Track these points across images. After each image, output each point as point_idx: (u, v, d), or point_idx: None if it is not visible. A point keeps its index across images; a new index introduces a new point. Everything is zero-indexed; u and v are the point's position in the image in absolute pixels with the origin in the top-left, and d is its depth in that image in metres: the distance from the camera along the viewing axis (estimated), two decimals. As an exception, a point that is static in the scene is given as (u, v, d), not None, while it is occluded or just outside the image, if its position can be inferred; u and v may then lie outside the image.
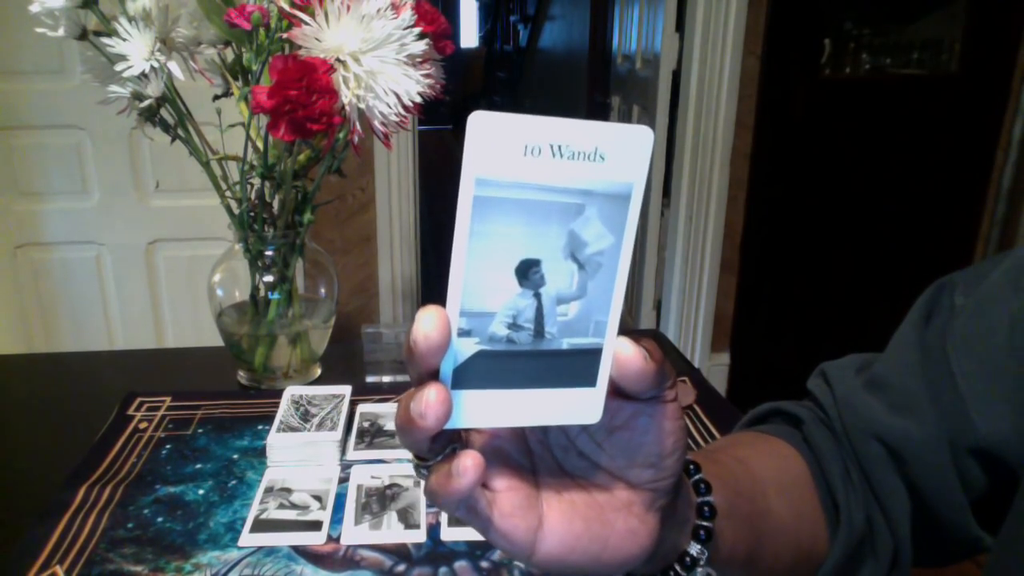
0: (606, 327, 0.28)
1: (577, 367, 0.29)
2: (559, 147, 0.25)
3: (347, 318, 2.14)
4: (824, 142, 2.29)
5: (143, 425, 0.84)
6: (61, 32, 0.76)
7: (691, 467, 0.37)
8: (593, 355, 0.29)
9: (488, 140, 0.24)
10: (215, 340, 0.95)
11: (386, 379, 0.97)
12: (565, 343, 0.28)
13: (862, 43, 2.30)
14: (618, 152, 0.26)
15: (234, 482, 0.74)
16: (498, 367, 0.28)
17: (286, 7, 0.71)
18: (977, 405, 0.41)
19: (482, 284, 0.26)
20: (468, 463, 0.28)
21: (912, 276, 2.39)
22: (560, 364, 0.28)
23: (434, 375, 0.27)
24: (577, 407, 0.29)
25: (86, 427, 0.83)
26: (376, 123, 0.75)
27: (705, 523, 0.36)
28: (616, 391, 0.30)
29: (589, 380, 0.29)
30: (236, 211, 0.85)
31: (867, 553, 0.45)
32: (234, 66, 0.81)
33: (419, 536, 0.66)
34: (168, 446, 0.80)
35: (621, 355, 0.28)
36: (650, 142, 0.26)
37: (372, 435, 0.81)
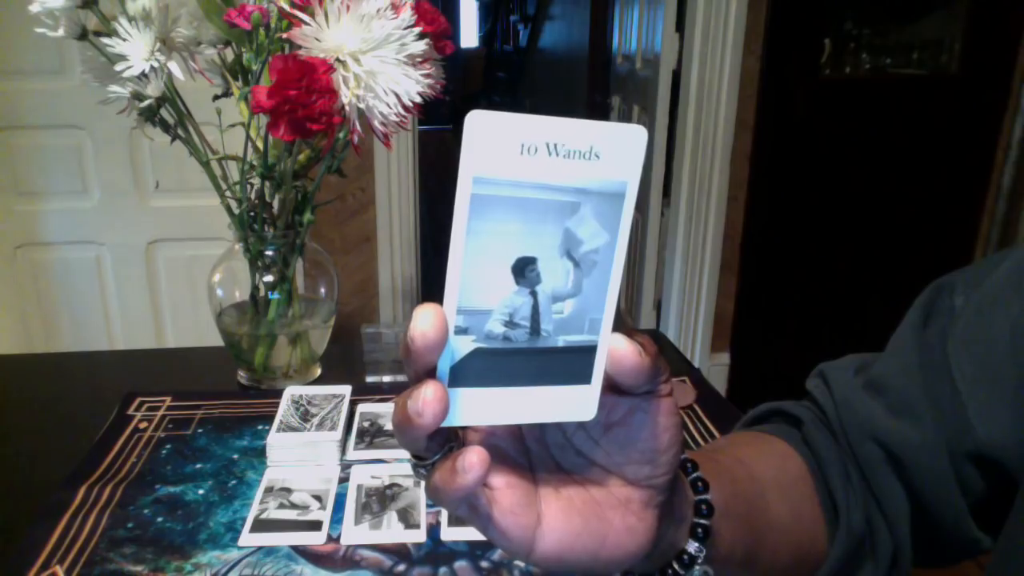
0: (601, 324, 0.29)
1: (573, 364, 0.29)
2: (555, 146, 0.25)
3: (347, 318, 2.14)
4: (824, 142, 2.28)
5: (143, 425, 0.84)
6: (61, 32, 0.76)
7: (689, 465, 0.37)
8: (588, 352, 0.29)
9: (485, 139, 0.24)
10: (215, 340, 0.95)
11: (386, 379, 0.97)
12: (561, 341, 0.28)
13: (862, 43, 2.30)
14: (612, 151, 0.26)
15: (234, 482, 0.74)
16: (494, 365, 0.28)
17: (286, 7, 0.71)
18: (977, 410, 0.41)
19: (479, 282, 0.26)
20: (474, 459, 0.28)
21: (912, 276, 2.38)
22: (556, 362, 0.29)
23: (431, 373, 0.27)
24: (573, 404, 0.29)
25: (86, 427, 0.83)
26: (376, 123, 0.75)
27: (703, 521, 0.36)
28: (612, 387, 0.30)
29: (584, 377, 0.29)
30: (236, 211, 0.85)
31: (866, 553, 0.45)
32: (234, 66, 0.81)
33: (419, 536, 0.66)
34: (168, 446, 0.80)
35: (616, 351, 0.29)
36: (643, 141, 0.27)
37: (372, 435, 0.81)
